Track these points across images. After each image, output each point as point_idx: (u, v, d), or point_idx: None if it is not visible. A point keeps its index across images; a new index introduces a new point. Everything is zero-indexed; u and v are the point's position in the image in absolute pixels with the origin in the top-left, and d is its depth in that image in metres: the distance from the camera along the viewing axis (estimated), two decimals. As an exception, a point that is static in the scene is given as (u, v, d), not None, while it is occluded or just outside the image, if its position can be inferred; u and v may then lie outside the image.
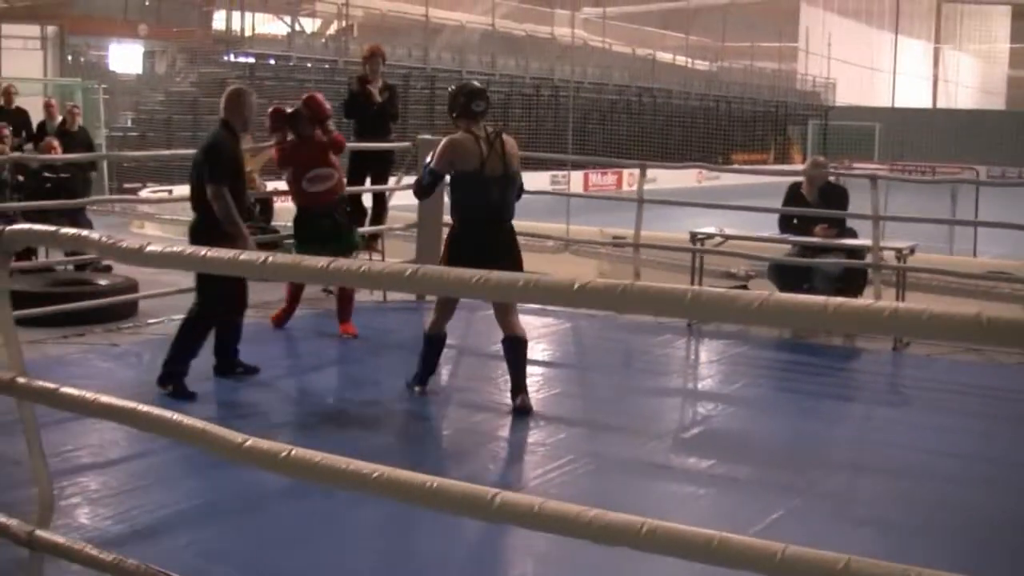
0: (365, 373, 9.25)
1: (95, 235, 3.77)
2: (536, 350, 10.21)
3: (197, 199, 8.32)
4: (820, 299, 2.38)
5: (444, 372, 9.86)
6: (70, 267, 12.41)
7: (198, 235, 8.20)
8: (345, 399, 8.72)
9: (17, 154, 13.19)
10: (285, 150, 10.02)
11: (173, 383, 8.16)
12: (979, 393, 9.23)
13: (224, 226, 8.13)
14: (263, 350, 9.40)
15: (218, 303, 8.39)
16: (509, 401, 8.07)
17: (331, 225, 9.78)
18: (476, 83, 8.77)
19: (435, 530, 5.59)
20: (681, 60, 54.18)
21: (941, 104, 71.07)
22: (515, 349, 8.08)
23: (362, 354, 9.80)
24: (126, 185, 26.84)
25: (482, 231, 8.03)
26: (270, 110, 10.45)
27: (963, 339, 2.25)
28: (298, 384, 9.18)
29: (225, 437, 3.44)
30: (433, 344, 8.39)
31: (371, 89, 12.65)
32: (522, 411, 7.92)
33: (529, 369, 9.08)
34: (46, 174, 13.42)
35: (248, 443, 3.36)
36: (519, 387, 8.05)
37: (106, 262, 11.94)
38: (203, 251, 3.42)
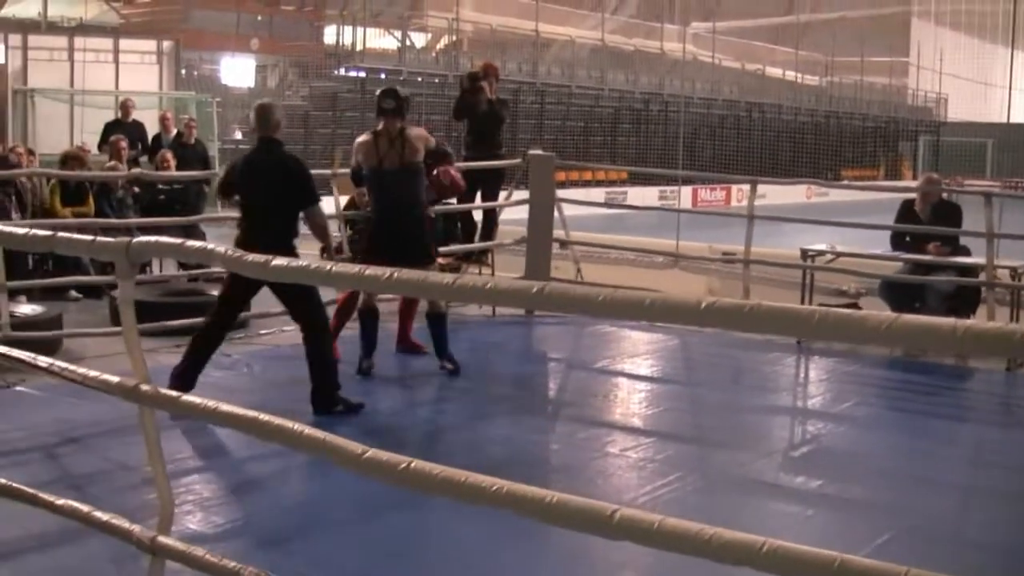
0: (470, 387, 9.26)
1: (221, 248, 3.83)
2: (644, 366, 10.23)
3: (270, 219, 8.32)
4: (948, 321, 2.35)
5: (552, 387, 9.91)
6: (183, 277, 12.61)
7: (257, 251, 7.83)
8: (449, 413, 8.74)
9: (136, 171, 13.50)
10: None
11: (338, 402, 8.05)
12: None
13: (323, 238, 8.53)
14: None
15: (322, 311, 8.30)
16: (617, 417, 8.60)
17: None
18: (396, 86, 9.45)
19: (539, 546, 5.61)
20: (790, 75, 53.69)
21: (1057, 119, 69.55)
22: (438, 323, 9.30)
23: (469, 368, 9.76)
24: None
25: (387, 222, 8.95)
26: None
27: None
28: (400, 398, 9.22)
29: (346, 448, 3.46)
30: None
31: (482, 84, 12.55)
32: (451, 371, 9.27)
33: (638, 384, 9.27)
34: (160, 186, 13.75)
35: (368, 454, 3.39)
36: (442, 354, 9.32)
37: (219, 272, 12.09)
38: (328, 265, 3.46)
